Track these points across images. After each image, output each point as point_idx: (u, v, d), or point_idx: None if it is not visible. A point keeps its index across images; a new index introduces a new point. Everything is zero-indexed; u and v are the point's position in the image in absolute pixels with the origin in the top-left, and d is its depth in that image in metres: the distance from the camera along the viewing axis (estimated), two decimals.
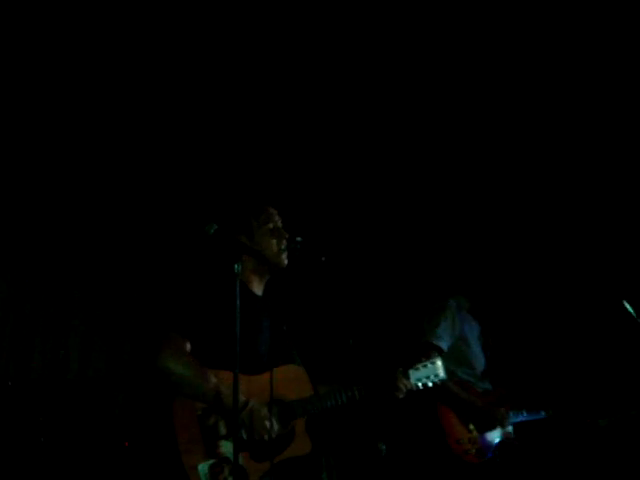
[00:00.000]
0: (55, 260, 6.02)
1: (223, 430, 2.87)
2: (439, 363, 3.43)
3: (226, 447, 2.83)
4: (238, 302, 2.74)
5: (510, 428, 4.37)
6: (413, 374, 3.37)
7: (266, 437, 2.89)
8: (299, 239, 3.27)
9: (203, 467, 2.76)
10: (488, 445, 4.17)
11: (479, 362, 4.52)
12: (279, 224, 3.34)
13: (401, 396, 3.30)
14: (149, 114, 5.59)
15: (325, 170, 6.12)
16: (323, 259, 3.22)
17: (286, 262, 3.28)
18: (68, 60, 5.04)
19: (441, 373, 3.41)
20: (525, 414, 4.52)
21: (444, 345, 4.27)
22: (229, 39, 5.02)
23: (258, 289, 3.32)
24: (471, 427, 4.18)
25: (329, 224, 6.07)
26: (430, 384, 3.39)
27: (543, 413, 4.67)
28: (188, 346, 2.98)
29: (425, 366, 3.40)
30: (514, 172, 5.97)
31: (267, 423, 2.90)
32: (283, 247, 3.26)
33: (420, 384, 3.37)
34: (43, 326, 5.91)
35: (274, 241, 3.26)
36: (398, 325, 5.66)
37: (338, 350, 4.00)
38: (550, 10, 4.82)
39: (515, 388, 4.51)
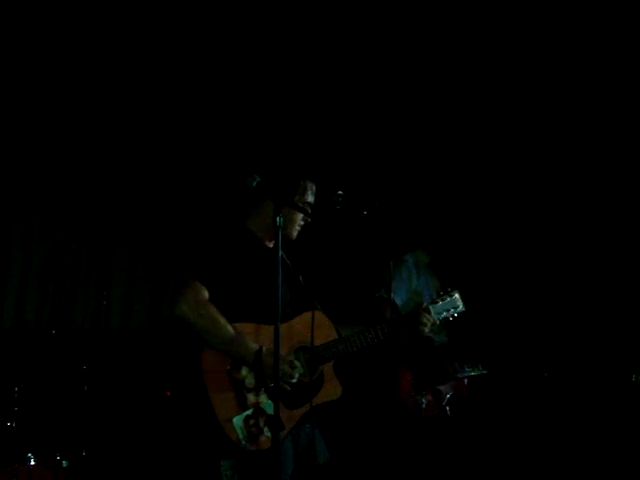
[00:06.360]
0: (97, 213, 6.08)
1: (253, 382, 2.93)
2: (457, 295, 3.47)
3: (258, 398, 2.89)
4: (280, 252, 2.74)
5: (465, 382, 4.33)
6: (433, 308, 3.40)
7: (292, 381, 2.94)
8: (340, 192, 3.23)
9: (238, 420, 2.82)
10: (439, 398, 4.13)
11: None
12: (310, 200, 3.33)
13: (426, 330, 3.35)
14: (192, 76, 5.58)
15: None
16: (365, 213, 3.20)
17: (295, 237, 3.29)
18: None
19: (460, 305, 3.46)
20: (481, 369, 4.47)
21: (398, 299, 4.25)
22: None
23: (269, 243, 3.32)
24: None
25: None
26: (451, 318, 3.44)
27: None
28: (206, 294, 2.99)
29: (444, 299, 3.44)
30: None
31: (287, 367, 2.93)
32: (302, 224, 3.29)
33: (442, 317, 3.41)
34: (85, 278, 6.01)
35: (301, 215, 3.25)
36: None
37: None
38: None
39: (473, 343, 4.46)
